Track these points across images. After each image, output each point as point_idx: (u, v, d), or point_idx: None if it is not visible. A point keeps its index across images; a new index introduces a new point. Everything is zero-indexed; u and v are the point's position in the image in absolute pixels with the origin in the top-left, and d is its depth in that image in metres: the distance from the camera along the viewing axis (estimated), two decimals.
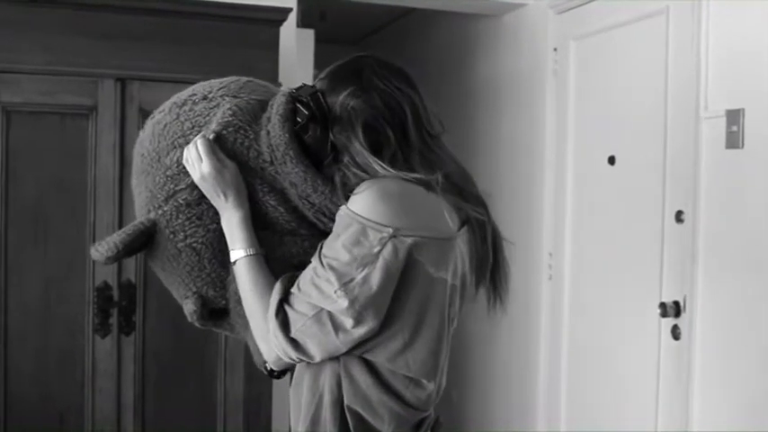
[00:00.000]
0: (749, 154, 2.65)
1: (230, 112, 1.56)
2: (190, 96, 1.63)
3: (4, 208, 2.79)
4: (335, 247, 1.41)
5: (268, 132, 1.53)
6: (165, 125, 1.60)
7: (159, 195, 1.57)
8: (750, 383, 2.63)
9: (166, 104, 1.66)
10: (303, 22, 3.95)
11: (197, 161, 1.52)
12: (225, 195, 1.52)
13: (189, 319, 1.62)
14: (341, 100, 1.51)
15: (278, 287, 1.47)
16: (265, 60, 3.00)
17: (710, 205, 2.81)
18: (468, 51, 4.60)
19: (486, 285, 1.62)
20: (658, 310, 2.95)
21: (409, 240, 1.40)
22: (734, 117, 2.69)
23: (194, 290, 1.59)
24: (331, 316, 1.40)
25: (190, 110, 1.60)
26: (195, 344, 2.97)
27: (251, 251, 1.52)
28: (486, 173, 4.10)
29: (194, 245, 1.56)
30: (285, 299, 1.45)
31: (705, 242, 2.83)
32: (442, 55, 5.03)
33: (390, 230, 1.39)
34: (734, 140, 2.70)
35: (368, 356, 1.46)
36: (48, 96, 2.81)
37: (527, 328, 3.86)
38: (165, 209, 1.56)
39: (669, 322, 2.95)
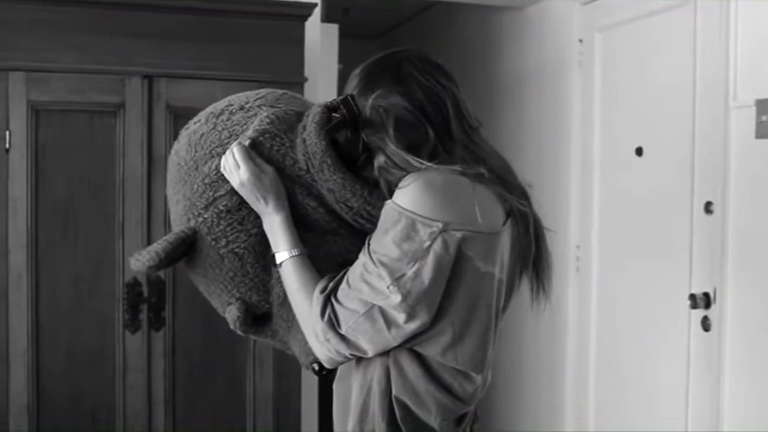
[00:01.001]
0: None
1: (267, 120, 1.57)
2: (227, 106, 1.64)
3: (34, 205, 2.82)
4: (385, 243, 1.41)
5: (304, 140, 1.53)
6: (202, 135, 1.60)
7: (199, 203, 1.56)
8: None
9: (202, 114, 1.66)
10: (327, 17, 3.95)
11: (234, 168, 1.53)
12: (265, 200, 1.53)
13: (231, 327, 1.60)
14: (371, 102, 1.50)
15: (319, 285, 1.47)
16: (291, 56, 3.01)
17: (740, 196, 2.78)
18: (493, 44, 4.58)
19: (528, 275, 1.62)
20: (688, 302, 2.93)
21: (458, 235, 1.40)
22: (764, 107, 2.66)
23: (238, 296, 1.59)
24: (383, 312, 1.40)
25: (227, 119, 1.61)
26: (225, 340, 2.99)
27: (295, 252, 1.53)
28: (512, 166, 4.07)
29: (237, 250, 1.56)
30: (331, 295, 1.45)
31: (735, 233, 2.80)
32: (465, 48, 5.02)
33: (440, 225, 1.39)
34: (764, 130, 2.67)
35: (418, 349, 1.46)
36: (76, 94, 2.83)
37: (554, 321, 3.85)
38: (206, 216, 1.56)
39: (699, 314, 2.92)
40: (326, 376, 1.62)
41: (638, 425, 3.30)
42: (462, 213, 1.42)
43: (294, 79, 3.01)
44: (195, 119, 1.67)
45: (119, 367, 2.90)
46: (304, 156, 1.53)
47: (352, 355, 1.46)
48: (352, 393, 1.54)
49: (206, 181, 1.57)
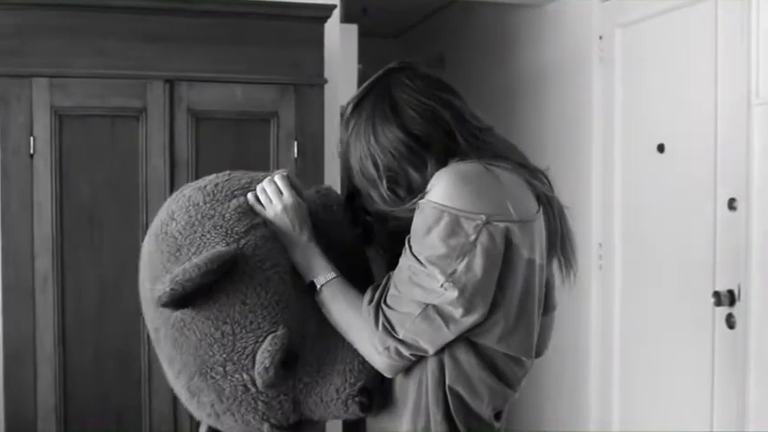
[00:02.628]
0: None
1: (286, 171, 1.65)
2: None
3: (59, 210, 2.84)
4: (430, 242, 1.41)
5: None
6: (217, 184, 1.60)
7: (237, 228, 1.52)
8: None
9: (208, 178, 1.66)
10: (346, 18, 3.96)
11: (276, 194, 1.56)
12: (301, 228, 1.56)
13: (267, 363, 1.43)
14: (367, 151, 1.55)
15: (365, 298, 1.48)
16: (311, 57, 3.02)
17: (764, 192, 2.76)
18: (512, 42, 4.57)
19: (557, 256, 1.64)
20: (712, 300, 2.92)
21: (501, 225, 1.41)
22: None
23: (281, 323, 1.48)
24: (438, 310, 1.41)
25: (243, 173, 1.65)
26: None
27: (335, 273, 1.55)
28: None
29: (282, 273, 1.52)
30: (381, 304, 1.45)
31: (759, 229, 2.78)
32: (484, 46, 5.01)
33: (483, 217, 1.40)
34: None
35: (473, 339, 1.47)
36: (98, 99, 2.85)
37: (577, 319, 3.84)
38: (248, 239, 1.51)
39: (723, 311, 2.91)
40: (369, 410, 1.56)
41: (662, 423, 3.29)
42: (500, 204, 1.43)
43: (314, 81, 3.01)
44: (194, 184, 1.64)
45: (144, 370, 2.92)
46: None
47: (413, 355, 1.46)
48: (404, 390, 1.54)
49: (239, 210, 1.55)
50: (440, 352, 1.47)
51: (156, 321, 1.54)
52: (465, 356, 1.47)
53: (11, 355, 2.84)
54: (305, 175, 3.00)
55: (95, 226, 2.88)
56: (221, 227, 1.51)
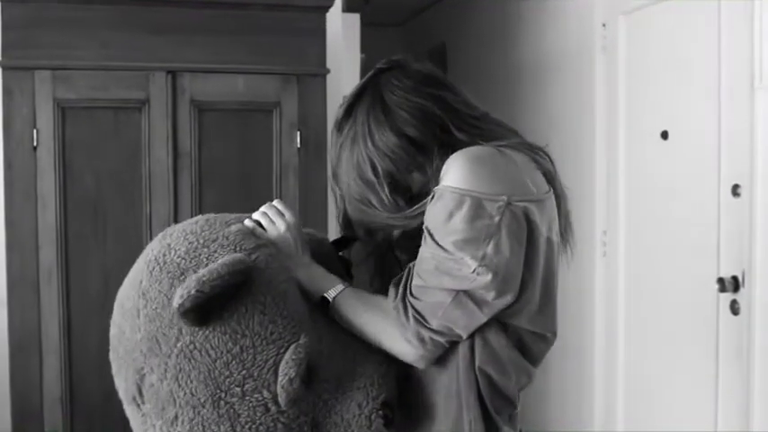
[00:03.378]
0: None
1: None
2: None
3: (62, 201, 2.85)
4: (453, 227, 1.39)
5: None
6: (208, 219, 1.55)
7: (245, 245, 1.48)
8: None
9: (194, 218, 1.60)
10: (348, 7, 3.95)
11: (278, 216, 1.55)
12: (303, 248, 1.56)
13: (292, 374, 1.36)
14: (354, 170, 1.53)
15: (390, 295, 1.46)
16: (313, 47, 3.03)
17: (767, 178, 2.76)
18: (514, 30, 4.56)
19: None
20: (716, 286, 2.92)
21: (521, 205, 1.41)
22: None
23: (302, 332, 1.43)
24: (470, 295, 1.39)
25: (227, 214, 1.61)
26: None
27: (344, 284, 1.53)
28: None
29: (294, 288, 1.49)
30: (407, 298, 1.43)
31: (763, 216, 2.78)
32: (486, 34, 5.00)
33: (505, 198, 1.39)
34: None
35: (504, 320, 1.46)
36: (100, 91, 2.86)
37: (581, 307, 3.84)
38: (258, 254, 1.47)
39: (728, 297, 2.91)
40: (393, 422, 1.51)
41: (667, 409, 3.29)
42: (517, 183, 1.43)
43: (316, 71, 3.01)
44: (169, 231, 1.58)
45: None
46: None
47: (448, 342, 1.45)
48: (432, 378, 1.52)
49: (241, 232, 1.51)
50: (470, 335, 1.46)
51: (151, 361, 1.42)
52: (495, 337, 1.46)
53: (17, 347, 2.85)
54: (308, 165, 3.01)
55: (99, 217, 2.89)
56: (227, 246, 1.46)
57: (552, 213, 1.50)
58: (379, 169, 1.51)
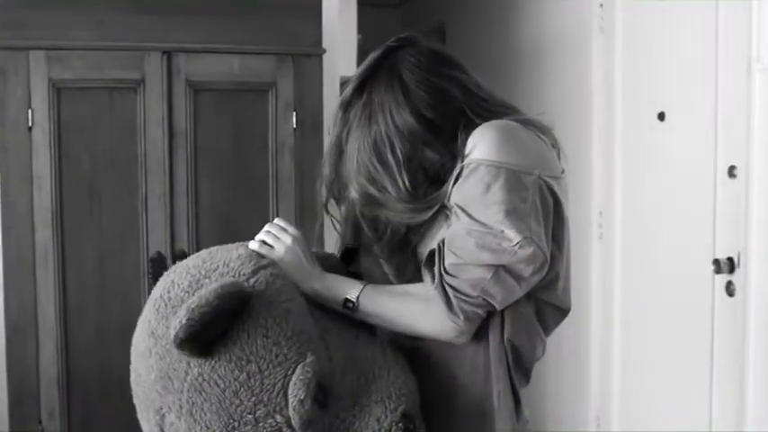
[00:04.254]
0: None
1: None
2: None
3: (58, 182, 2.85)
4: (493, 199, 1.36)
5: None
6: (210, 251, 1.53)
7: (244, 270, 1.46)
8: None
9: (196, 254, 1.58)
10: None
11: (281, 232, 1.54)
12: (313, 261, 1.54)
13: (302, 395, 1.34)
14: (368, 152, 1.50)
15: (426, 278, 1.44)
16: (309, 27, 3.02)
17: (764, 159, 2.75)
18: (512, 10, 4.54)
19: None
20: (712, 267, 2.92)
21: (550, 181, 1.42)
22: None
23: (308, 351, 1.41)
24: (508, 270, 1.37)
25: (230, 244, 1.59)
26: None
27: (363, 282, 1.52)
28: None
29: (299, 306, 1.47)
30: (443, 281, 1.41)
31: (759, 197, 2.78)
32: (485, 15, 4.97)
33: (537, 172, 1.40)
34: None
35: (538, 294, 1.47)
36: (96, 71, 2.85)
37: (577, 288, 3.82)
38: (257, 277, 1.45)
39: (723, 279, 2.91)
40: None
41: (662, 389, 3.30)
42: (543, 159, 1.45)
43: (312, 51, 3.01)
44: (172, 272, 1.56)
45: None
46: None
47: (486, 312, 1.43)
48: (459, 355, 1.52)
49: (242, 257, 1.49)
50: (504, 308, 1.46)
51: (167, 399, 1.42)
52: (525, 309, 1.47)
53: (13, 328, 2.86)
54: (304, 146, 3.00)
55: (95, 198, 2.89)
56: (227, 273, 1.44)
57: (567, 193, 1.51)
58: (398, 151, 1.48)
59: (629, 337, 3.55)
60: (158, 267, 2.91)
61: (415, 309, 1.46)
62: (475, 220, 1.37)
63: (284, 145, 3.00)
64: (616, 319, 3.61)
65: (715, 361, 2.98)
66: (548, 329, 1.55)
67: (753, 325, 2.80)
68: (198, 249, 2.87)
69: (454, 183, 1.43)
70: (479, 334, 1.47)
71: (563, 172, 1.51)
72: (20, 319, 2.84)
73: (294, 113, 3.00)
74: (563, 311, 1.55)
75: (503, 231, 1.35)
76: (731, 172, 2.87)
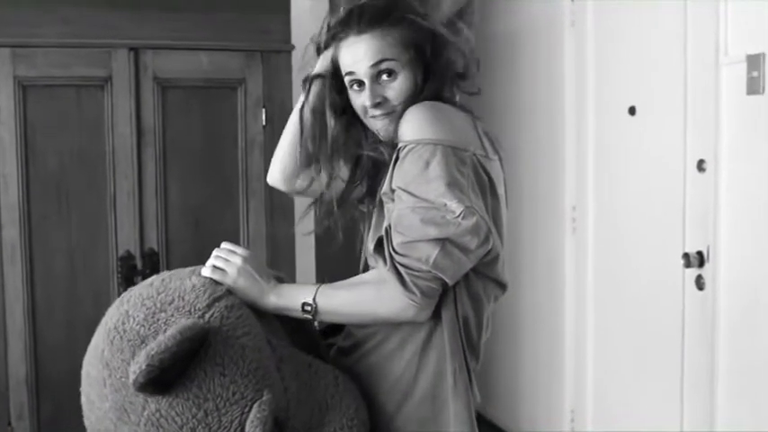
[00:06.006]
0: None
1: None
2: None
3: (25, 181, 2.83)
4: (433, 174, 1.40)
5: None
6: (164, 279, 1.53)
7: (198, 304, 1.46)
8: None
9: (149, 279, 1.58)
10: None
11: (230, 254, 1.55)
12: (267, 275, 1.55)
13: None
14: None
15: (378, 264, 1.46)
16: (277, 23, 3.01)
17: (732, 153, 2.76)
18: (484, 6, 4.53)
19: None
20: (682, 261, 2.93)
21: (481, 159, 1.46)
22: (754, 62, 2.63)
23: (265, 388, 1.42)
24: (455, 244, 1.40)
25: (182, 269, 1.60)
26: None
27: (317, 283, 1.54)
28: (506, 128, 4.07)
29: (255, 340, 1.46)
30: (395, 263, 1.42)
31: (727, 191, 2.79)
32: (456, 9, 4.97)
33: (471, 149, 1.44)
34: (754, 86, 2.64)
35: (482, 270, 1.50)
36: (62, 69, 2.83)
37: (552, 282, 3.85)
38: (212, 311, 1.45)
39: (693, 272, 2.92)
40: None
41: (635, 382, 3.32)
42: (473, 138, 1.49)
43: (281, 47, 3.00)
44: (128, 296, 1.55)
45: None
46: None
47: (440, 287, 1.45)
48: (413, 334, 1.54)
49: (196, 288, 1.49)
50: (455, 284, 1.49)
51: (121, 429, 1.42)
52: (474, 284, 1.52)
53: None
54: (273, 143, 2.98)
55: (62, 195, 2.87)
56: (183, 307, 1.45)
57: (500, 175, 1.55)
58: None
59: (602, 330, 3.57)
60: (127, 266, 2.89)
61: (371, 294, 1.49)
62: (417, 197, 1.41)
63: (254, 142, 2.99)
64: (589, 312, 3.63)
65: (686, 353, 3.00)
66: (491, 304, 1.59)
67: (722, 318, 2.82)
68: (167, 247, 2.90)
69: (393, 166, 1.48)
70: (433, 313, 1.50)
71: (495, 155, 1.55)
72: None
73: (264, 110, 2.99)
74: (503, 286, 1.58)
75: (445, 204, 1.39)
76: (700, 166, 2.88)
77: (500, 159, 1.59)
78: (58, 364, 2.89)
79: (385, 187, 1.51)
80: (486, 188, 1.47)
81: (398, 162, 1.45)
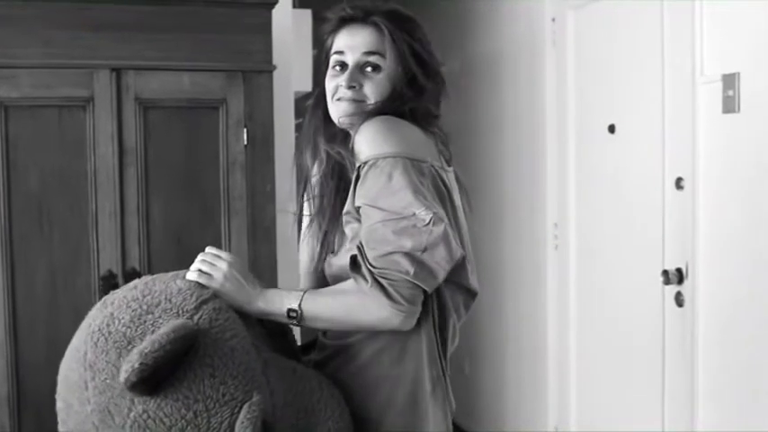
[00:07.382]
0: (745, 118, 2.63)
1: None
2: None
3: (7, 200, 2.82)
4: (398, 185, 1.43)
5: None
6: (147, 282, 1.52)
7: (186, 306, 1.45)
8: (753, 347, 2.64)
9: (132, 282, 1.57)
10: (300, 3, 3.94)
11: (215, 259, 1.55)
12: (252, 280, 1.56)
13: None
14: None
15: (359, 279, 1.46)
16: (259, 43, 3.01)
17: (709, 171, 2.80)
18: (466, 25, 4.57)
19: None
20: (661, 278, 2.95)
21: (438, 170, 1.50)
22: (730, 81, 2.67)
23: (254, 390, 1.43)
24: (429, 252, 1.42)
25: (164, 273, 1.59)
26: None
27: (302, 290, 1.55)
28: (488, 146, 4.09)
29: (243, 343, 1.46)
30: (376, 276, 1.43)
31: (705, 208, 2.82)
32: (439, 29, 4.98)
33: (429, 160, 1.48)
34: (730, 105, 2.68)
35: (455, 279, 1.52)
36: (44, 90, 2.83)
37: (535, 299, 3.87)
38: (200, 314, 1.45)
39: (672, 289, 2.95)
40: None
41: (617, 397, 3.34)
42: (429, 150, 1.53)
43: (263, 67, 3.00)
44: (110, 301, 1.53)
45: None
46: None
47: (422, 293, 1.46)
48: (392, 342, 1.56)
49: (182, 291, 1.49)
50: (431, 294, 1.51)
51: None
52: (446, 292, 1.54)
53: None
54: (255, 162, 3.00)
55: (44, 216, 2.87)
56: (170, 309, 1.44)
57: (455, 185, 1.59)
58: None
59: (584, 345, 3.59)
60: (109, 285, 2.89)
61: (356, 303, 1.49)
62: (386, 210, 1.43)
63: (235, 162, 2.99)
64: (572, 328, 3.65)
65: (666, 368, 3.02)
66: (460, 314, 1.60)
67: (701, 334, 2.84)
68: (150, 267, 2.89)
69: (354, 185, 1.50)
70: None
71: (450, 167, 1.59)
72: None
73: (245, 130, 3.00)
74: (473, 294, 1.60)
75: (414, 213, 1.41)
76: (678, 183, 2.91)
77: (455, 172, 1.64)
78: (39, 382, 2.88)
79: (347, 207, 1.52)
80: (445, 198, 1.50)
81: (360, 181, 1.47)
